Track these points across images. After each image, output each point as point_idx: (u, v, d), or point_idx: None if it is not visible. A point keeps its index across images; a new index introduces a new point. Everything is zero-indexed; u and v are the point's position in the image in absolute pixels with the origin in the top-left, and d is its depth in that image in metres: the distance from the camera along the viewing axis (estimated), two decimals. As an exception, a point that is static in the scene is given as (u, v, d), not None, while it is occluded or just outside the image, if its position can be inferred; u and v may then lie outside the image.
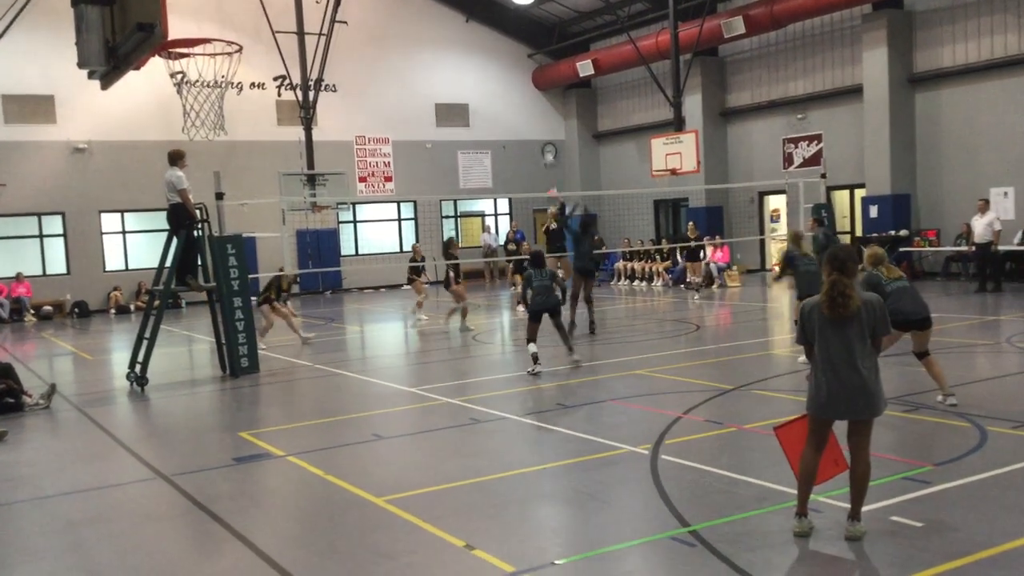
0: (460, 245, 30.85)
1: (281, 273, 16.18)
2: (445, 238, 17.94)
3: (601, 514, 6.03)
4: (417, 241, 23.72)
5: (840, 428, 5.44)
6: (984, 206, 18.71)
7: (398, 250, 29.60)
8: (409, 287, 19.68)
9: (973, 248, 18.95)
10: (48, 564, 5.71)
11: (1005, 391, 9.49)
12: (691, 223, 24.16)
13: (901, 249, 21.80)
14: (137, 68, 7.25)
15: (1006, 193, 20.40)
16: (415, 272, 18.67)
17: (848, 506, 5.36)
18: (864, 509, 5.36)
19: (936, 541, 5.20)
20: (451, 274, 16.84)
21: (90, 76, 7.52)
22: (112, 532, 6.25)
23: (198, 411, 10.83)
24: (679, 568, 5.08)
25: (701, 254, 23.17)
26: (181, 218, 12.27)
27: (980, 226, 18.49)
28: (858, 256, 5.74)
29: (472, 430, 8.72)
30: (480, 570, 5.16)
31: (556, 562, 5.20)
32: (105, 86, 7.92)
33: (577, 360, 11.79)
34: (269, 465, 7.84)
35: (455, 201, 31.20)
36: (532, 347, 11.46)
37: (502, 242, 28.98)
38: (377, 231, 29.81)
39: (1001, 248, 18.86)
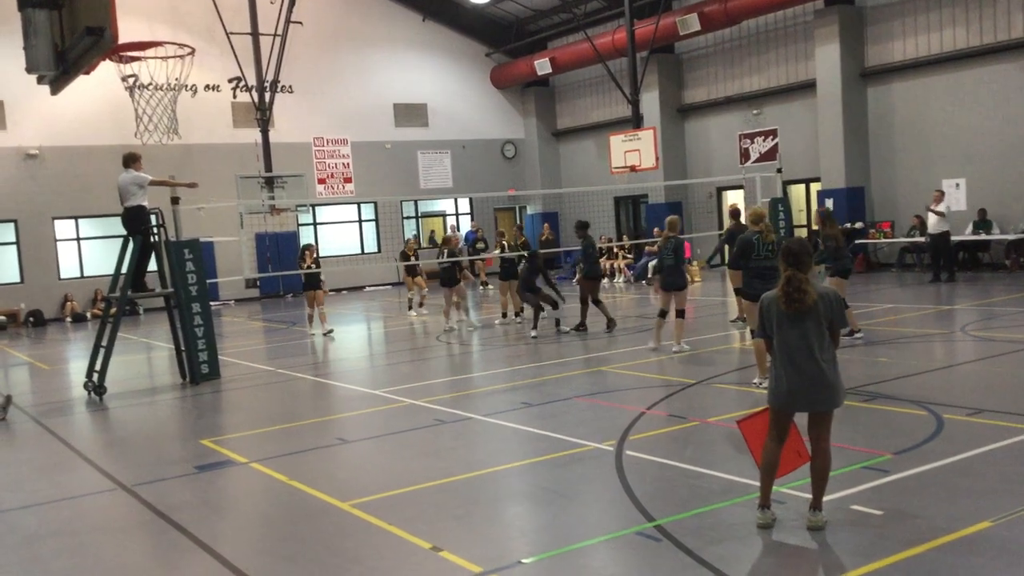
0: (423, 246, 31.07)
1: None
2: (304, 244, 18.21)
3: (567, 511, 6.05)
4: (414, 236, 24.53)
5: (801, 420, 5.51)
6: (939, 197, 19.05)
7: (359, 251, 29.45)
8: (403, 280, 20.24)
9: (927, 239, 19.27)
10: (6, 580, 5.60)
11: (960, 379, 9.68)
12: (544, 224, 23.58)
13: (857, 241, 22.14)
14: (87, 72, 7.11)
15: (957, 184, 20.81)
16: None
17: (810, 497, 5.43)
18: (825, 499, 5.44)
19: (896, 528, 5.28)
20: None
21: (39, 81, 7.36)
22: (72, 545, 6.14)
23: (158, 419, 10.68)
24: (645, 563, 5.11)
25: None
26: (137, 222, 12.10)
27: (935, 217, 18.81)
28: (813, 249, 5.83)
29: (437, 431, 8.70)
30: (447, 571, 5.15)
31: (523, 561, 5.21)
32: (55, 91, 7.76)
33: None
34: (232, 472, 7.76)
35: (416, 201, 31.10)
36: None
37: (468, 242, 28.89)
38: (338, 233, 29.62)
39: (954, 238, 19.23)
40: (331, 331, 17.08)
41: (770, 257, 9.46)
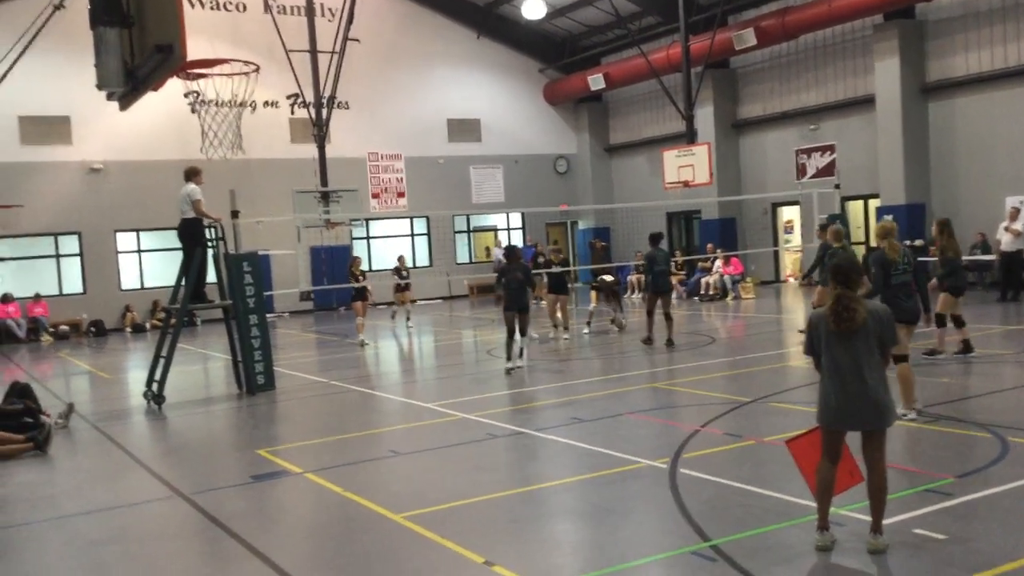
0: (473, 260, 31.23)
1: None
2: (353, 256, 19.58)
3: (620, 529, 6.00)
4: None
5: (854, 440, 5.39)
6: (1015, 213, 18.57)
7: (411, 265, 29.64)
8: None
9: (999, 256, 18.75)
10: (69, 583, 5.72)
11: (1026, 401, 9.40)
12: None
13: (918, 259, 21.66)
14: (155, 89, 7.28)
15: (1022, 201, 20.27)
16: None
17: (870, 519, 5.31)
18: (886, 522, 5.31)
19: (959, 554, 5.14)
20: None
21: (109, 97, 7.56)
22: (131, 551, 6.26)
23: (215, 429, 10.86)
24: (700, 583, 5.04)
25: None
26: (194, 234, 12.35)
27: (1010, 235, 18.33)
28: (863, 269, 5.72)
29: (489, 445, 8.70)
30: (500, 587, 5.14)
31: (576, 578, 5.17)
32: (124, 107, 7.95)
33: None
34: (287, 483, 7.85)
35: (468, 216, 31.26)
36: None
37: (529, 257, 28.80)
38: (390, 247, 29.86)
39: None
40: (365, 343, 17.69)
41: (907, 271, 9.03)
